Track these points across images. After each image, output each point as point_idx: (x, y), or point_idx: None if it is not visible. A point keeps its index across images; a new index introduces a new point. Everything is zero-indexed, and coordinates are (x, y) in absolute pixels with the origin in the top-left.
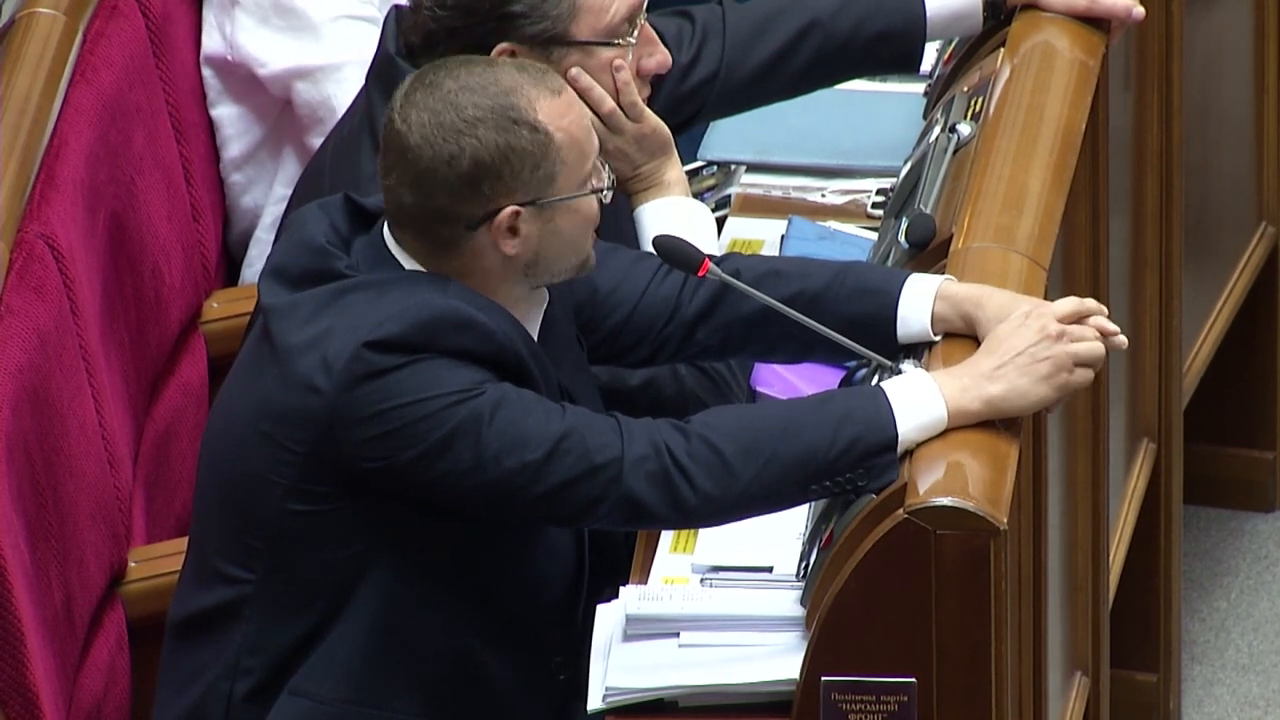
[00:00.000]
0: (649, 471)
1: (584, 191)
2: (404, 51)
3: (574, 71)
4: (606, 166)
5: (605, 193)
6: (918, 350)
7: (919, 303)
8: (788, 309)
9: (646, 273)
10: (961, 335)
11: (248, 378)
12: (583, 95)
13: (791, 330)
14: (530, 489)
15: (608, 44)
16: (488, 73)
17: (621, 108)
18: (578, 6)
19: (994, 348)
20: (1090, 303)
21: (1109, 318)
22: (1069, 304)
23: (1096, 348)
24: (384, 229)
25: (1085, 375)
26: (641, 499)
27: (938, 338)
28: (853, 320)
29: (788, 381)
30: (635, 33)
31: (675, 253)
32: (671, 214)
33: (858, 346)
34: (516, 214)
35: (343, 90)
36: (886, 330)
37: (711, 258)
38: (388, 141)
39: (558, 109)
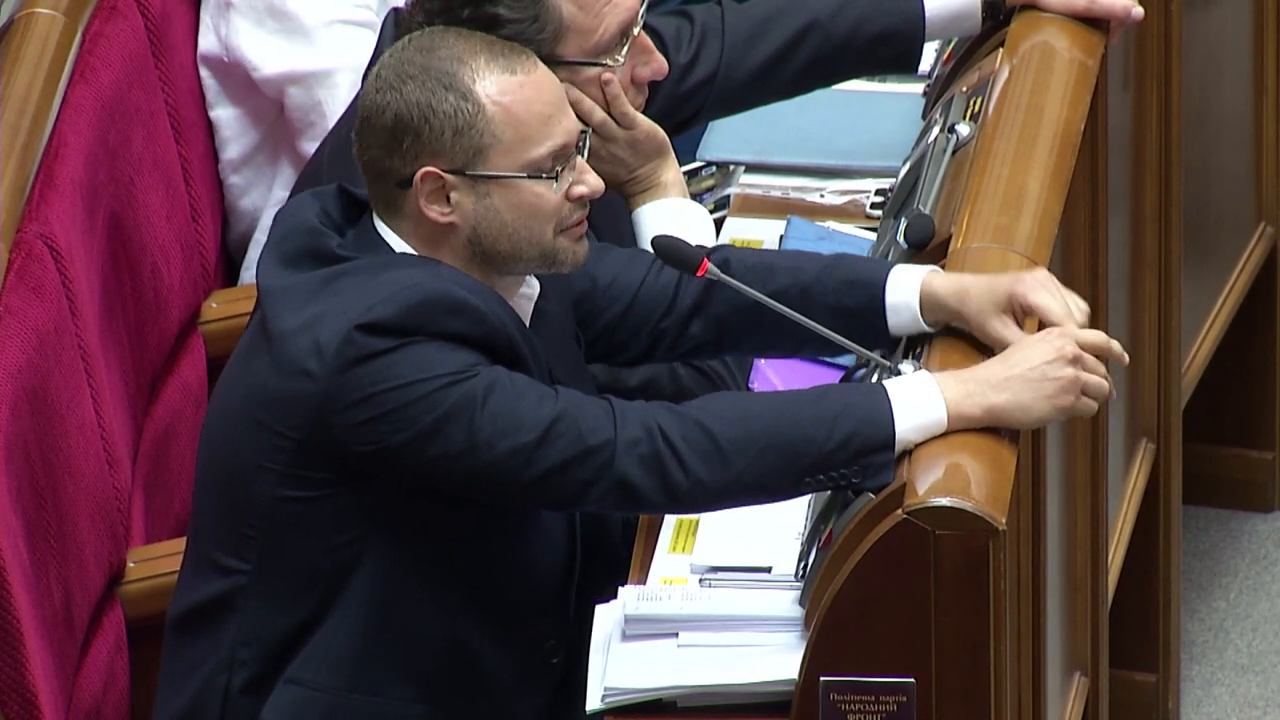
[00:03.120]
0: (641, 454)
1: (520, 174)
2: None
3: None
4: (568, 166)
5: (554, 182)
6: (917, 350)
7: (906, 295)
8: (782, 306)
9: (642, 267)
10: (959, 337)
11: (243, 365)
12: (572, 107)
13: (785, 325)
14: (523, 473)
15: (595, 64)
16: (452, 40)
17: (613, 118)
18: (565, 29)
19: (1008, 357)
20: (1116, 347)
21: (1109, 325)
22: (1097, 336)
23: (1104, 385)
24: (374, 214)
25: (1089, 405)
26: (633, 481)
27: (930, 329)
28: (843, 312)
29: (784, 381)
30: (626, 48)
31: (674, 252)
32: (668, 215)
33: (849, 342)
34: (439, 178)
35: (334, 96)
36: (877, 323)
37: (702, 248)
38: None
39: (504, 85)
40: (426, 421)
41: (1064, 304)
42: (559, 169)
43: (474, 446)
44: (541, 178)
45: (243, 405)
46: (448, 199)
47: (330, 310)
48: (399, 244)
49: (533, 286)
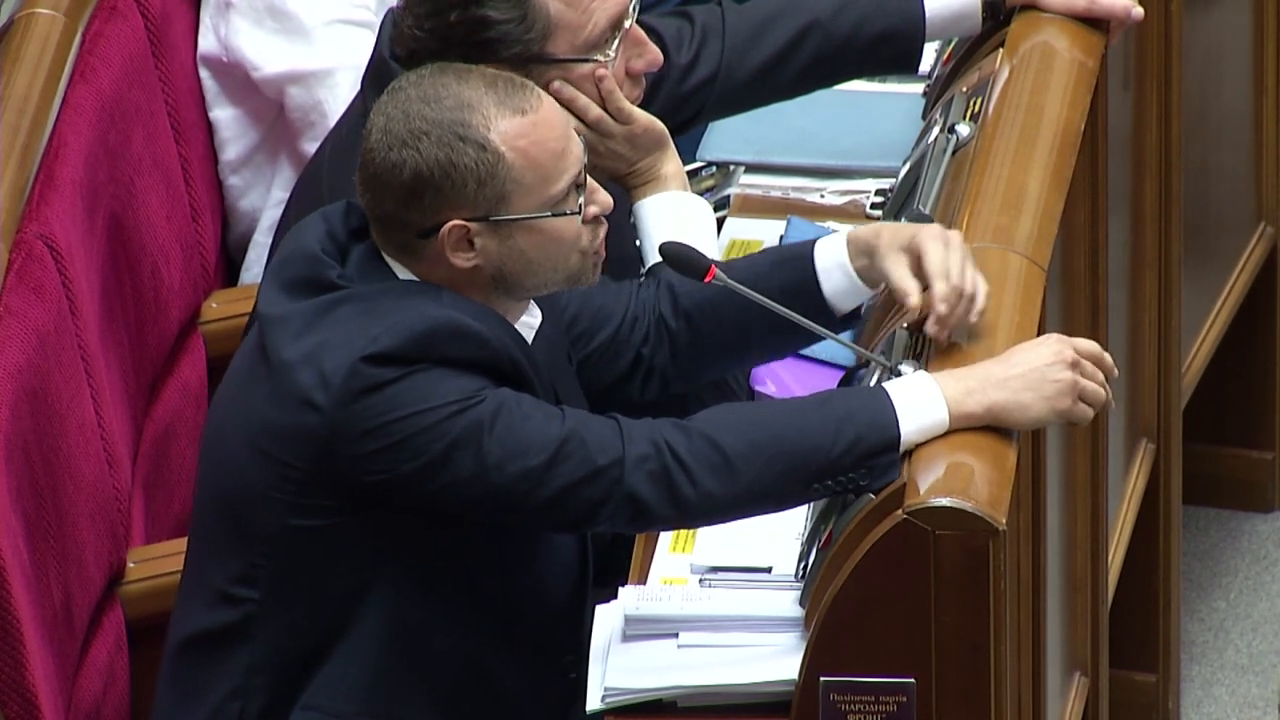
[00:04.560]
0: (650, 471)
1: (544, 214)
2: (396, 56)
3: (556, 84)
4: (583, 191)
5: (578, 215)
6: (917, 352)
7: (835, 253)
8: (782, 308)
9: (628, 288)
10: (955, 352)
11: (242, 389)
12: (567, 105)
13: (752, 318)
14: (534, 495)
15: (586, 60)
16: (452, 84)
17: (609, 114)
18: (553, 26)
19: (1007, 358)
20: (1108, 358)
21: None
22: (1090, 344)
23: (1102, 392)
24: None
25: (1085, 411)
26: (643, 498)
27: (864, 285)
28: (778, 293)
29: (785, 383)
30: (617, 42)
31: (681, 259)
32: (670, 209)
33: (827, 331)
34: (465, 229)
35: (335, 96)
36: (814, 292)
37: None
38: (363, 140)
39: (517, 129)
40: (435, 450)
41: (945, 260)
42: (579, 200)
43: (483, 471)
44: (565, 214)
45: (245, 434)
46: (471, 244)
47: (331, 340)
48: (404, 273)
49: (535, 315)
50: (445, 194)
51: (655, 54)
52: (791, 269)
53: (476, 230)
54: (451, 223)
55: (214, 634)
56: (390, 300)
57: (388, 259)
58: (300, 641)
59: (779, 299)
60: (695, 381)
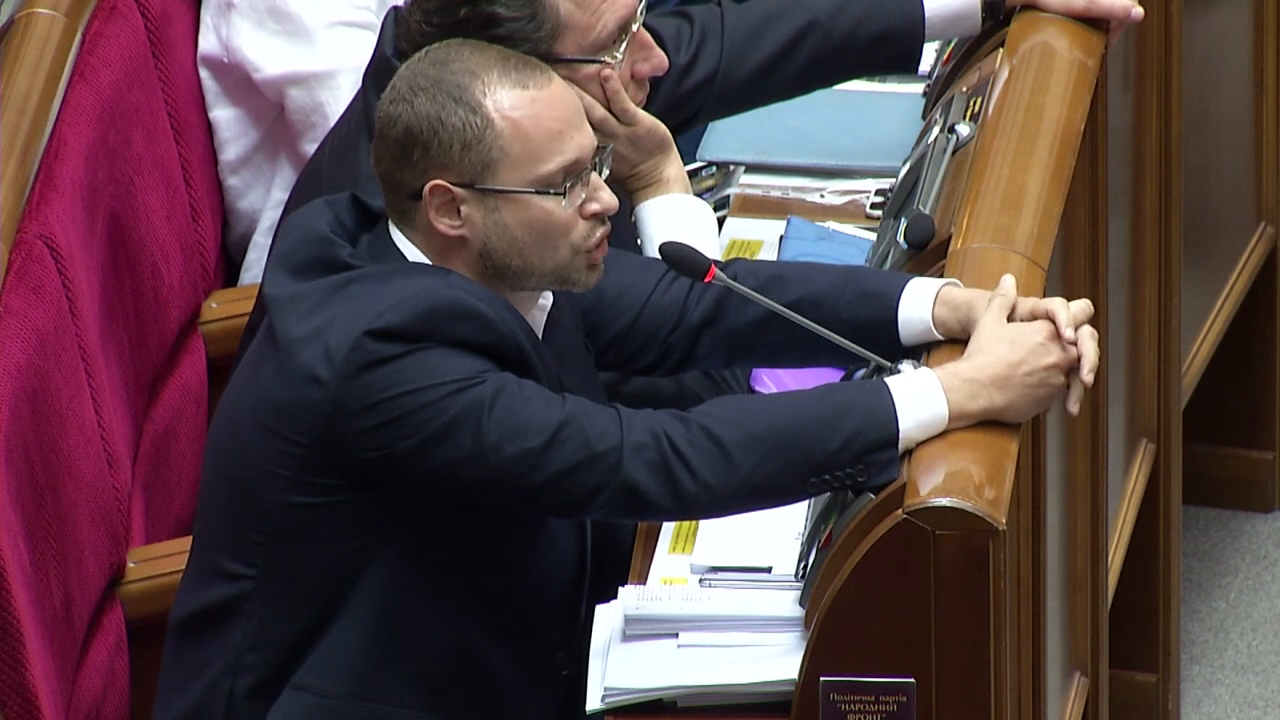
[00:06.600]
0: (648, 460)
1: (527, 189)
2: (400, 54)
3: None
4: (579, 182)
5: (562, 197)
6: (916, 351)
7: (919, 307)
8: (792, 314)
9: (652, 278)
10: (959, 341)
11: (251, 371)
12: None
13: (795, 336)
14: (530, 477)
15: (594, 61)
16: (467, 54)
17: (613, 114)
18: (562, 26)
19: (1011, 356)
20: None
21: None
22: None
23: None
24: (389, 223)
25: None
26: (641, 487)
27: (941, 338)
28: (855, 325)
29: (785, 383)
30: (624, 44)
31: (681, 259)
32: (671, 211)
33: (861, 350)
34: (448, 191)
35: (336, 97)
36: (889, 334)
37: (715, 263)
38: (364, 135)
39: (513, 100)
40: (434, 427)
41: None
42: (569, 185)
43: (481, 451)
44: (549, 194)
45: (251, 412)
46: (458, 212)
47: (339, 317)
48: (413, 253)
49: (546, 297)
50: (432, 152)
51: (661, 59)
52: (875, 305)
53: (462, 196)
54: (434, 182)
55: (211, 611)
56: (401, 280)
57: (396, 238)
58: (293, 621)
59: (847, 328)
60: (727, 367)
